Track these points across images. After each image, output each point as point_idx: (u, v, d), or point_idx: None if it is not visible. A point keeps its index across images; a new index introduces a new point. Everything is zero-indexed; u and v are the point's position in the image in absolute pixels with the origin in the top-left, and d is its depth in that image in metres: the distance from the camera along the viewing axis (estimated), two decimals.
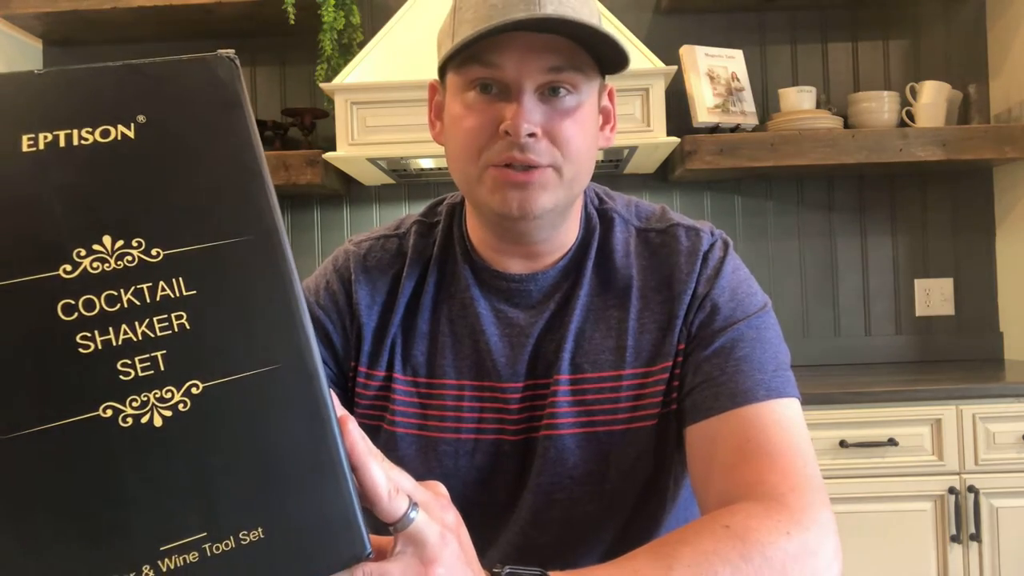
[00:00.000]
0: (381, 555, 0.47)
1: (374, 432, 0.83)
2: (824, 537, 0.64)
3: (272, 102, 2.53)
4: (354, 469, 0.44)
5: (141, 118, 0.42)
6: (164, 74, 0.43)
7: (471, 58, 0.73)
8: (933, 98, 2.28)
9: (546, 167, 0.74)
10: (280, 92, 2.54)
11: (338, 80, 2.03)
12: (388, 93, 2.00)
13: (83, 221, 0.40)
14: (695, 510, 0.88)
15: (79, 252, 0.40)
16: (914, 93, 2.32)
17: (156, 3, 2.21)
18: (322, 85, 2.08)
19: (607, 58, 0.75)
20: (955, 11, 2.48)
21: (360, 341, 0.83)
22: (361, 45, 2.27)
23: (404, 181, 2.47)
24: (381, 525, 0.48)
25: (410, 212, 0.93)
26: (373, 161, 2.10)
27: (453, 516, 0.50)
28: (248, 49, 2.52)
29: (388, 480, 0.45)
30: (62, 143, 0.41)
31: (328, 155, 2.09)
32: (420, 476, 0.80)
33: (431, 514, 0.47)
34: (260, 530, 0.41)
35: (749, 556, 0.59)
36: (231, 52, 0.44)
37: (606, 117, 0.83)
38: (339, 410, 0.44)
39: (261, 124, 2.37)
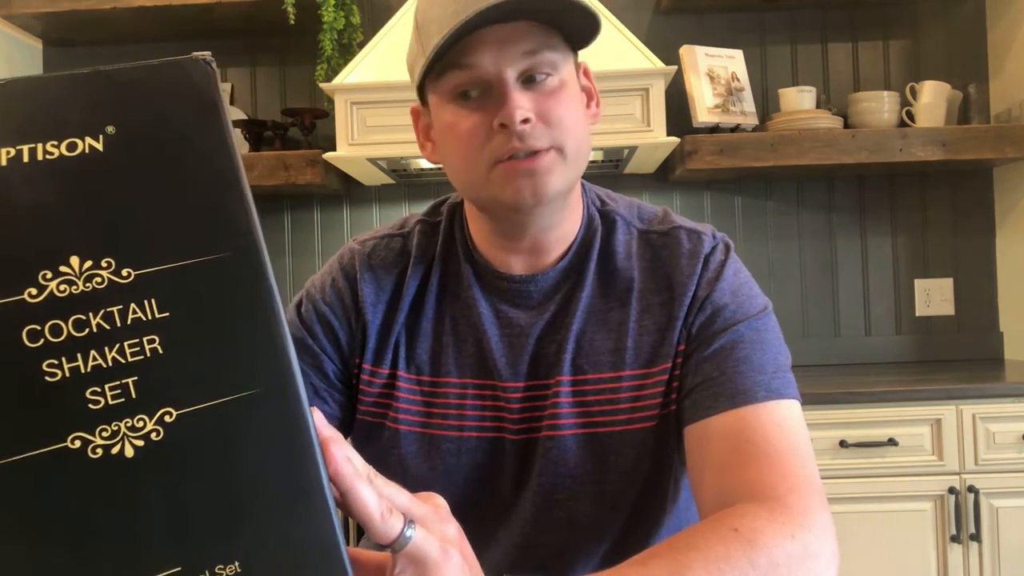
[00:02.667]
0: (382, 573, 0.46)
1: (377, 429, 0.84)
2: (825, 539, 0.64)
3: (272, 102, 2.53)
4: (342, 494, 0.42)
5: (110, 129, 0.39)
6: (135, 80, 0.40)
7: (448, 66, 0.73)
8: (933, 98, 2.28)
9: (548, 150, 0.74)
10: (280, 92, 2.54)
11: (338, 80, 2.03)
12: (388, 93, 2.00)
13: (49, 241, 0.38)
14: (696, 511, 0.88)
15: (45, 274, 0.37)
16: (914, 93, 2.32)
17: (156, 3, 2.21)
18: (322, 85, 2.08)
19: (577, 30, 0.75)
20: (955, 11, 2.48)
21: (365, 338, 0.84)
22: (361, 45, 2.27)
23: (404, 181, 2.47)
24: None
25: (411, 212, 0.93)
26: (373, 161, 2.11)
27: (454, 529, 0.48)
28: (248, 49, 2.52)
29: (380, 500, 0.43)
30: (26, 158, 0.38)
31: (328, 155, 2.09)
32: (423, 473, 0.81)
33: (430, 529, 0.46)
34: (237, 564, 0.39)
35: (756, 562, 0.59)
36: (207, 54, 0.42)
37: (588, 95, 0.83)
38: (326, 431, 0.42)
39: (261, 124, 2.37)
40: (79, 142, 0.39)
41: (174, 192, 0.40)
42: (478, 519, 0.52)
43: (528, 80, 0.74)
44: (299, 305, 0.87)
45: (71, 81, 0.40)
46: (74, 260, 0.38)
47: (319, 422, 0.42)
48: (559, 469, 0.80)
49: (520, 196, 0.74)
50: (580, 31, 0.75)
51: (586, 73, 0.83)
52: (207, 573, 0.38)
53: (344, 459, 0.42)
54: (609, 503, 0.81)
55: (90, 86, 0.40)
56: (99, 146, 0.39)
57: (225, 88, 2.52)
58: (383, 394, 0.83)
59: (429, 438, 0.82)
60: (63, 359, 0.37)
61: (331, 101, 2.16)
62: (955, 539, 1.89)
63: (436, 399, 0.82)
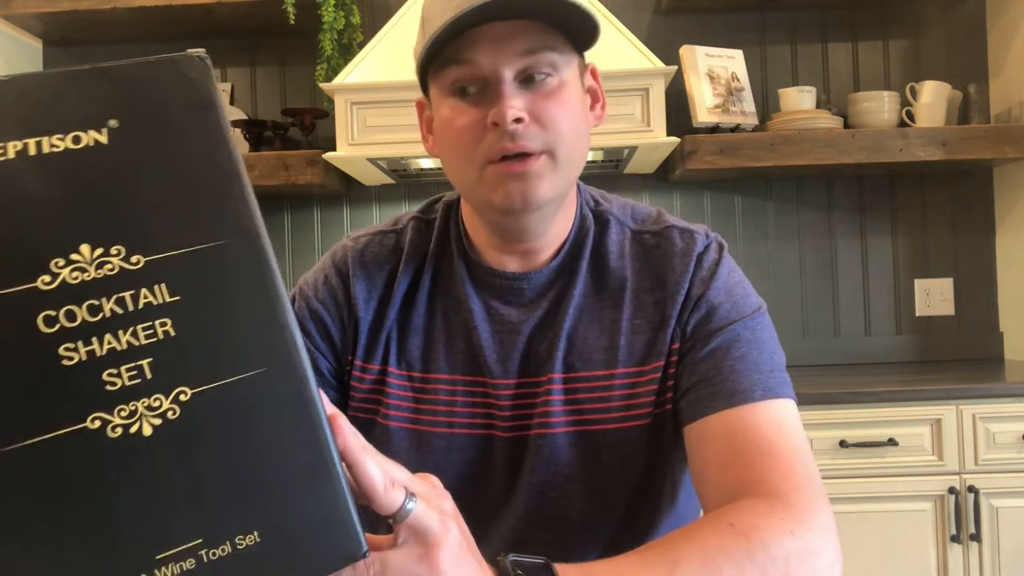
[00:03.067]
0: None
1: (368, 425, 0.84)
2: (826, 537, 0.64)
3: (272, 102, 2.53)
4: (348, 466, 0.44)
5: (113, 123, 0.41)
6: (133, 77, 0.42)
7: (448, 60, 0.74)
8: (933, 98, 2.28)
9: (540, 154, 0.74)
10: (280, 92, 2.54)
11: (338, 80, 2.03)
12: (388, 93, 2.00)
13: (60, 230, 0.39)
14: (694, 511, 0.88)
15: (57, 262, 0.39)
16: (914, 93, 2.32)
17: (156, 3, 2.21)
18: (322, 85, 2.08)
19: (577, 32, 0.75)
20: (955, 11, 2.48)
21: (356, 335, 0.84)
22: (361, 45, 2.27)
23: (404, 181, 2.47)
24: (380, 523, 0.47)
25: (409, 210, 0.93)
26: (373, 161, 2.11)
27: (451, 504, 0.50)
28: (248, 49, 2.53)
29: (383, 474, 0.45)
30: (32, 151, 0.39)
31: (328, 155, 2.09)
32: (413, 470, 0.81)
33: (430, 503, 0.47)
34: (256, 534, 0.40)
35: (753, 555, 0.59)
36: (201, 51, 0.43)
37: (594, 96, 0.83)
38: (329, 408, 0.44)
39: (261, 124, 2.37)
40: (83, 135, 0.40)
41: (177, 183, 0.41)
42: (471, 516, 0.52)
43: (527, 80, 0.74)
44: (292, 302, 0.87)
45: (72, 77, 0.41)
46: (85, 248, 0.39)
47: (324, 401, 0.43)
48: (551, 467, 0.80)
49: (510, 200, 0.74)
50: (580, 32, 0.75)
51: (594, 74, 0.83)
52: (228, 544, 0.40)
53: (352, 432, 0.44)
54: (602, 502, 0.81)
55: (90, 82, 0.41)
56: (103, 139, 0.40)
57: (225, 88, 2.52)
58: (373, 390, 0.84)
59: (419, 434, 0.82)
60: (79, 343, 0.39)
61: (331, 101, 2.16)
62: (955, 539, 1.89)
63: (426, 395, 0.83)
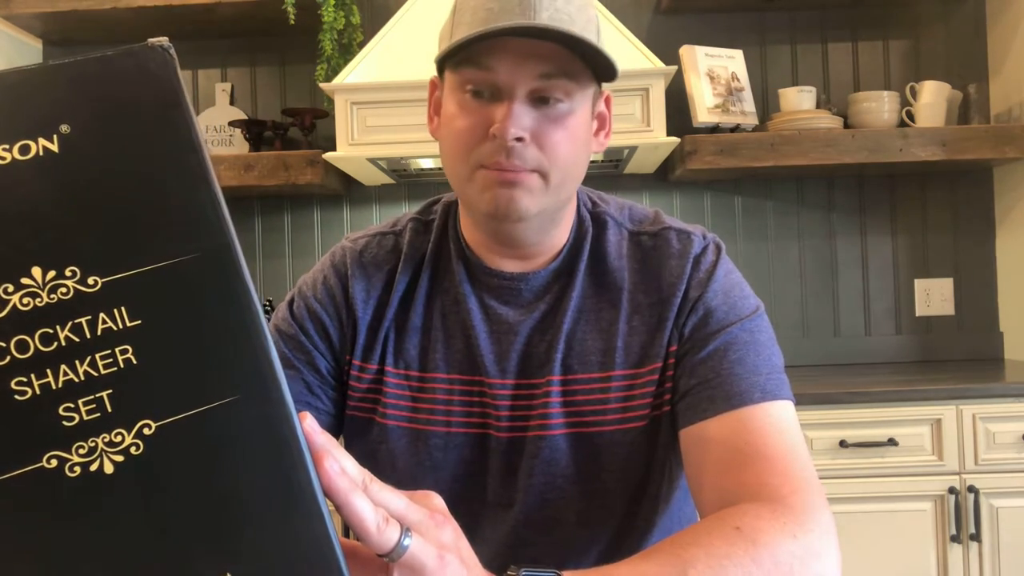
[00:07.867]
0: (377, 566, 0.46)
1: (366, 424, 0.84)
2: (827, 539, 0.64)
3: (272, 102, 2.53)
4: (337, 508, 0.41)
5: (64, 128, 0.37)
6: (87, 74, 0.38)
7: (466, 60, 0.74)
8: (933, 98, 2.28)
9: (531, 171, 0.74)
10: (280, 92, 2.54)
11: (338, 80, 2.03)
12: (388, 93, 2.00)
13: (8, 252, 0.36)
14: (689, 511, 0.88)
15: (6, 288, 0.35)
16: (914, 93, 2.32)
17: (156, 3, 2.21)
18: (322, 85, 2.08)
19: (600, 67, 0.76)
20: (955, 11, 2.48)
21: (355, 335, 0.84)
22: (361, 45, 2.27)
23: (404, 181, 2.47)
24: None
25: (408, 211, 0.94)
26: (373, 161, 2.11)
27: (451, 532, 0.48)
28: (248, 49, 2.53)
29: (376, 512, 0.43)
30: None
31: (328, 155, 2.09)
32: (410, 469, 0.82)
33: (426, 536, 0.45)
34: (229, 575, 0.38)
35: (759, 559, 0.59)
36: (164, 40, 0.39)
37: (601, 123, 0.84)
38: (319, 438, 0.41)
39: (261, 124, 2.37)
40: (32, 144, 0.37)
41: (138, 192, 0.38)
42: (468, 516, 0.52)
43: (540, 100, 0.74)
44: (291, 303, 0.88)
45: (19, 78, 0.37)
46: (36, 271, 0.36)
47: (312, 429, 0.41)
48: (551, 469, 0.80)
49: (494, 205, 0.75)
50: (601, 68, 0.75)
51: (607, 102, 0.84)
52: None
53: (338, 473, 0.41)
54: (600, 503, 0.81)
55: (40, 83, 0.37)
56: (54, 147, 0.37)
57: (225, 88, 2.52)
58: (371, 389, 0.84)
59: (416, 433, 0.82)
60: (32, 376, 0.36)
61: (331, 101, 2.16)
62: (955, 539, 1.89)
63: (423, 394, 0.83)
